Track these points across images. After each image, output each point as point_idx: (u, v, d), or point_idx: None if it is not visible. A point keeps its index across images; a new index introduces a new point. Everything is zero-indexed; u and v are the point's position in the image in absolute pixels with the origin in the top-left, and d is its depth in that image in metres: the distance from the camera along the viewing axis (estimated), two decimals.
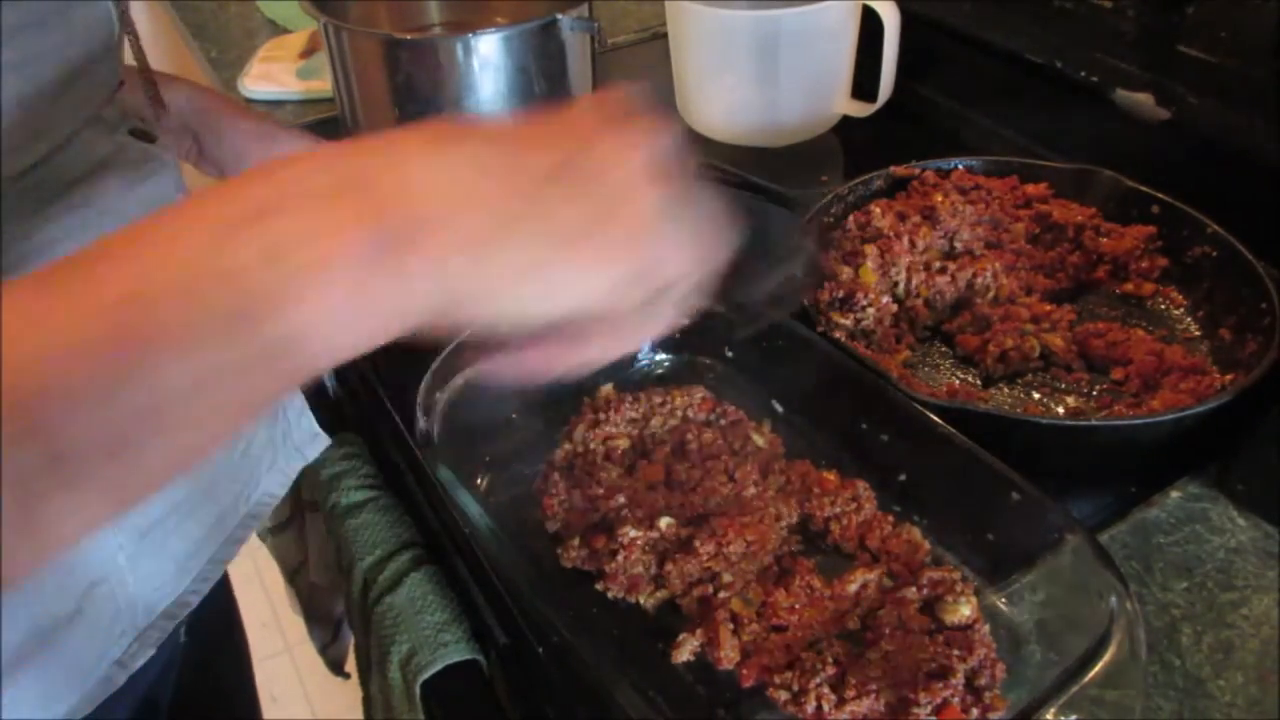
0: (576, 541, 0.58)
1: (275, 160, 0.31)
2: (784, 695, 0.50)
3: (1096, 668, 0.46)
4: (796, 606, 0.54)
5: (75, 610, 0.49)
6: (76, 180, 0.47)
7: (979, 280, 0.76)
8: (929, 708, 0.48)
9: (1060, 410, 0.68)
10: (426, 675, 0.61)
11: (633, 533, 0.57)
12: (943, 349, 0.75)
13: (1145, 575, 0.57)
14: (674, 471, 0.62)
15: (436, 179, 0.31)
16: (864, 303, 0.73)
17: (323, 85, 1.13)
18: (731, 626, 0.53)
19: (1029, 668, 0.50)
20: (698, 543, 0.56)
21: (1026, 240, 0.80)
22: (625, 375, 0.70)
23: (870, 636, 0.52)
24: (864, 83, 0.97)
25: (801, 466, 0.62)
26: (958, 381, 0.71)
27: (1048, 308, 0.75)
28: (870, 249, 0.75)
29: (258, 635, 0.82)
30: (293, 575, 0.96)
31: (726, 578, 0.55)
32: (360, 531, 0.70)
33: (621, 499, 0.59)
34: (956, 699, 0.49)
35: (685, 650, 0.53)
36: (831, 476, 0.61)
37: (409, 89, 0.84)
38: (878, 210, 0.79)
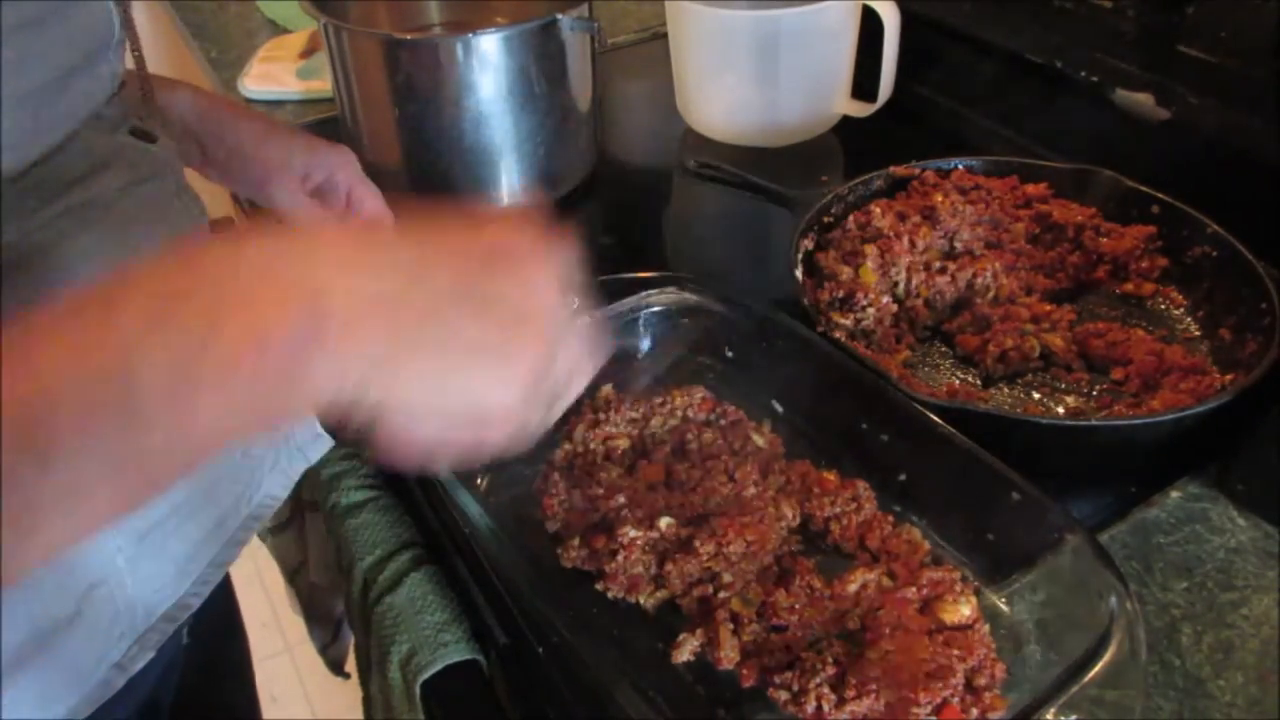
0: (576, 541, 0.58)
1: (198, 246, 0.34)
2: (784, 695, 0.50)
3: (1096, 668, 0.46)
4: (796, 606, 0.54)
5: (74, 612, 0.49)
6: (75, 180, 0.46)
7: (979, 280, 0.76)
8: (929, 707, 0.48)
9: (1060, 410, 0.68)
10: (426, 675, 0.61)
11: (633, 533, 0.57)
12: (943, 349, 0.75)
13: (1145, 575, 0.57)
14: (674, 471, 0.62)
15: (348, 285, 0.33)
16: (864, 303, 0.73)
17: (323, 85, 1.13)
18: (731, 626, 0.53)
19: (1029, 668, 0.50)
20: (698, 543, 0.56)
21: (1026, 240, 0.80)
22: (625, 375, 0.70)
23: (870, 636, 0.52)
24: (864, 83, 0.97)
25: (801, 466, 0.62)
26: (958, 381, 0.71)
27: (1048, 308, 0.75)
28: (870, 249, 0.75)
29: (258, 635, 0.82)
30: (293, 575, 0.96)
31: (726, 578, 0.55)
32: (360, 531, 0.70)
33: (621, 499, 0.59)
34: (956, 699, 0.49)
35: (685, 650, 0.53)
36: (831, 476, 0.61)
37: (409, 89, 0.84)
38: (878, 210, 0.79)
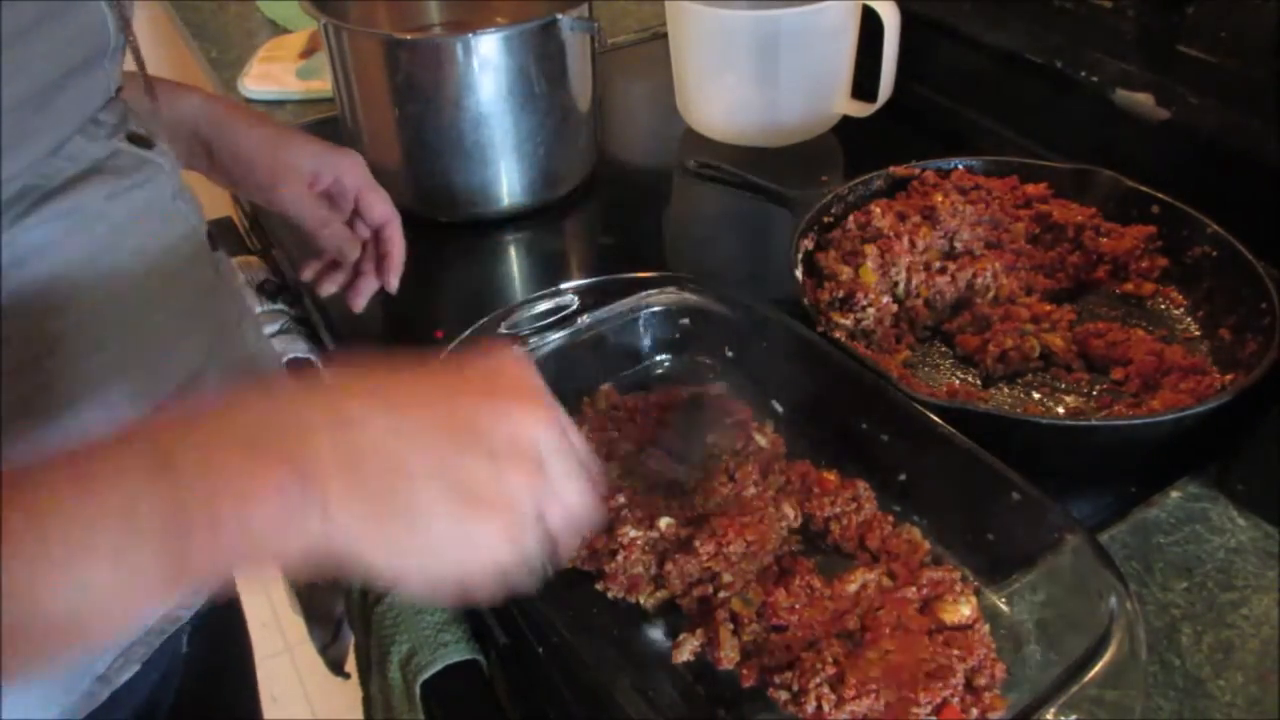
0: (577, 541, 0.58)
1: (198, 403, 0.36)
2: (784, 695, 0.50)
3: (1096, 668, 0.46)
4: (796, 606, 0.54)
5: None
6: (65, 185, 0.46)
7: (979, 280, 0.76)
8: (928, 707, 0.48)
9: (1060, 410, 0.68)
10: (426, 675, 0.61)
11: (633, 533, 0.57)
12: (943, 349, 0.75)
13: (1145, 575, 0.57)
14: (674, 471, 0.62)
15: (338, 446, 0.35)
16: (864, 303, 0.73)
17: (323, 85, 1.13)
18: (731, 626, 0.53)
19: (1029, 668, 0.50)
20: (698, 543, 0.56)
21: (1026, 240, 0.80)
22: (625, 375, 0.70)
23: (870, 636, 0.52)
24: (864, 83, 0.97)
25: (801, 466, 0.62)
26: (958, 381, 0.71)
27: (1048, 308, 0.75)
28: (870, 249, 0.75)
29: (258, 635, 0.82)
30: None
31: (726, 578, 0.55)
32: None
33: (621, 499, 0.59)
34: (956, 699, 0.49)
35: (685, 650, 0.53)
36: (831, 476, 0.61)
37: (409, 89, 0.84)
38: (878, 210, 0.79)
